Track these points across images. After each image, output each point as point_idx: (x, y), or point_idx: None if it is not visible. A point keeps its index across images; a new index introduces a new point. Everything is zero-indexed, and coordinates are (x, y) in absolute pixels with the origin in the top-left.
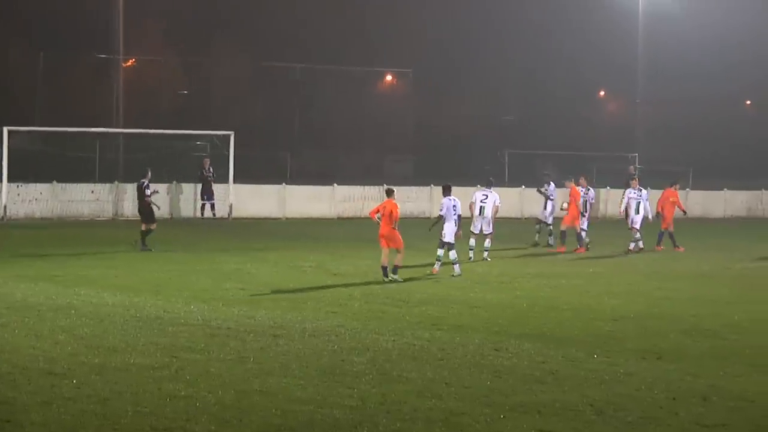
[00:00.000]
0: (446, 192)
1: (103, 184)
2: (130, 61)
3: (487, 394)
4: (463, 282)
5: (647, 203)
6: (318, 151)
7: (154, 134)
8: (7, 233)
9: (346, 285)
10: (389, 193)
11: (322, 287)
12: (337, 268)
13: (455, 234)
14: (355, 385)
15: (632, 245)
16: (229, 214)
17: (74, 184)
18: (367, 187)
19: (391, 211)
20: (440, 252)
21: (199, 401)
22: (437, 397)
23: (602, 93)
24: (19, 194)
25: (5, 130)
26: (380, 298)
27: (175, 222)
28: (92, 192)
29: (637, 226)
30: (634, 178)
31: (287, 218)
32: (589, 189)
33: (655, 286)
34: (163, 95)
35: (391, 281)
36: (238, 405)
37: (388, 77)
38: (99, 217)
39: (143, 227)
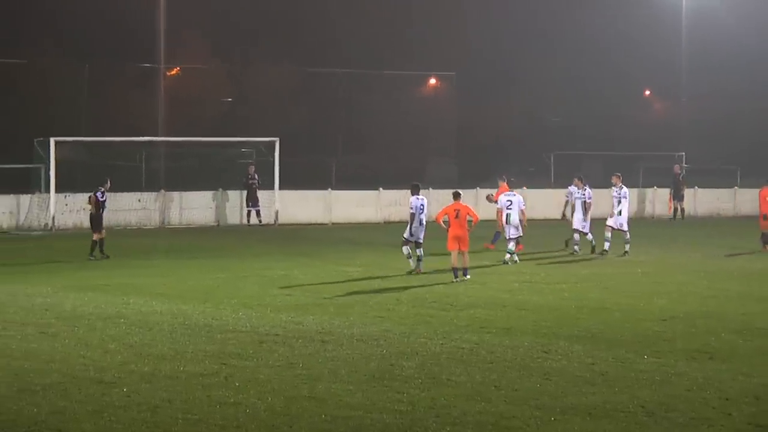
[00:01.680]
0: (414, 191)
1: (150, 193)
2: (174, 70)
3: (536, 397)
4: (511, 285)
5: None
6: (362, 155)
7: (198, 142)
8: (56, 243)
9: (393, 289)
10: (456, 195)
11: (369, 292)
12: (384, 273)
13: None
14: (404, 389)
15: (627, 246)
16: (275, 221)
17: (121, 194)
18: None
19: (467, 213)
20: (419, 251)
21: (249, 408)
22: (486, 400)
23: (647, 92)
24: (66, 204)
25: (52, 140)
26: (427, 302)
27: (222, 229)
28: (139, 201)
29: (626, 228)
30: (616, 175)
31: (333, 223)
32: (585, 188)
33: (705, 286)
34: (208, 103)
35: (461, 281)
36: (287, 411)
37: (432, 81)
38: (146, 225)
39: (95, 236)
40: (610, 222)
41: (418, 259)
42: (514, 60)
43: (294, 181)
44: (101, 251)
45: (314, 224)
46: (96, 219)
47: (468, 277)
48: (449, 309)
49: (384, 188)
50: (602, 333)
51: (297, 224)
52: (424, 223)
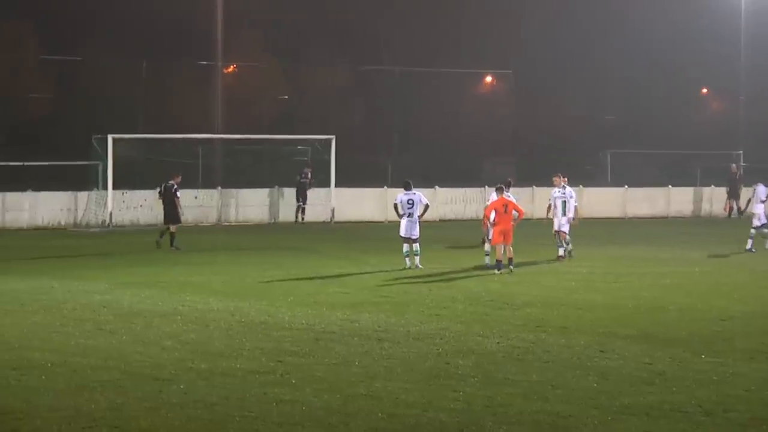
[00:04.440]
0: (406, 188)
1: (207, 190)
2: (231, 67)
3: (593, 397)
4: (567, 283)
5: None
6: (418, 154)
7: (254, 140)
8: (114, 240)
9: (448, 287)
10: (500, 190)
11: (425, 290)
12: (440, 271)
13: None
14: (460, 388)
15: (562, 251)
16: (331, 219)
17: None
18: (468, 189)
19: (514, 208)
20: (416, 247)
21: (305, 405)
22: (543, 399)
23: (705, 90)
24: (124, 201)
25: (110, 137)
26: (483, 301)
27: (277, 227)
28: (195, 198)
29: (566, 229)
30: (558, 175)
31: (389, 221)
32: (565, 187)
33: (764, 285)
34: (263, 101)
35: (507, 273)
36: (344, 409)
37: (488, 78)
38: (203, 222)
39: (172, 228)
40: (558, 226)
41: (415, 254)
42: (570, 57)
43: (350, 179)
44: (171, 243)
45: (370, 222)
46: (175, 212)
47: (513, 268)
48: (505, 307)
49: (440, 187)
50: (659, 332)
51: (353, 222)
52: (416, 218)
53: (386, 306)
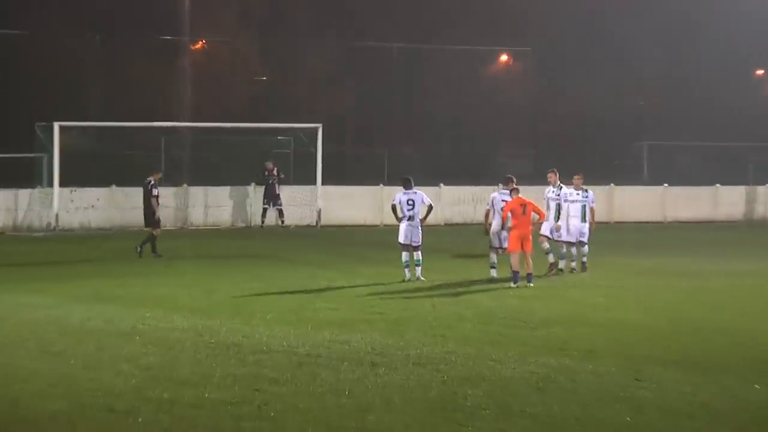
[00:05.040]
0: (405, 186)
1: (170, 188)
2: (199, 43)
3: None
4: (595, 299)
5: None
6: (419, 146)
7: (227, 129)
8: (60, 246)
9: (455, 303)
10: (515, 190)
11: (428, 306)
12: (445, 284)
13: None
14: (469, 422)
15: (551, 256)
16: (317, 221)
17: (136, 188)
18: (479, 188)
19: (533, 210)
20: (417, 255)
21: None
22: None
23: (759, 72)
24: (72, 201)
25: (56, 125)
26: (497, 319)
27: (254, 232)
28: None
29: (547, 234)
30: (552, 171)
31: (385, 225)
32: (561, 187)
33: None
34: (238, 83)
35: (525, 286)
36: None
37: (503, 57)
38: (165, 225)
39: (154, 232)
40: (545, 231)
41: (417, 264)
42: (599, 32)
43: (339, 175)
44: (153, 250)
45: (363, 226)
46: (149, 213)
47: (532, 284)
48: (522, 327)
49: (445, 184)
50: (703, 357)
51: (343, 226)
52: (417, 221)
53: (382, 325)
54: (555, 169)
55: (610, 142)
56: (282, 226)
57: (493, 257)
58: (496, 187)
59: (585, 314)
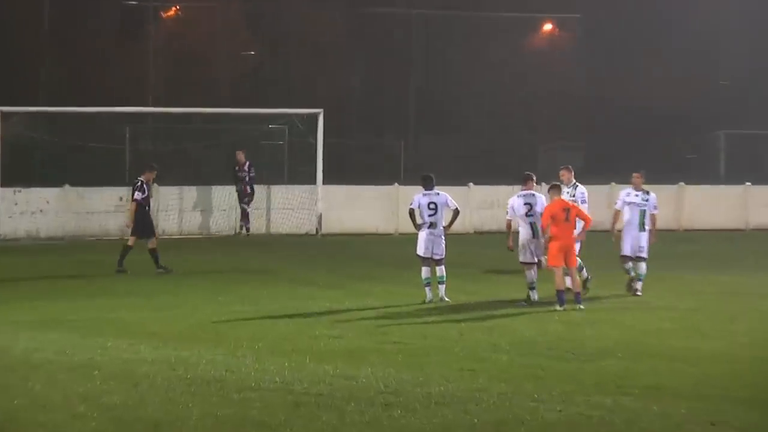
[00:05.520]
0: (426, 185)
1: None
2: (171, 10)
3: None
4: (660, 324)
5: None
6: (443, 136)
7: (207, 115)
8: (2, 258)
9: (487, 330)
10: (556, 189)
11: (453, 333)
12: (475, 307)
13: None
14: None
15: (640, 284)
16: (317, 229)
17: (95, 189)
18: (515, 188)
19: (577, 214)
20: (440, 271)
21: None
22: None
23: None
24: (16, 203)
25: None
26: (538, 348)
27: (241, 241)
28: (121, 199)
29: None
30: (566, 168)
31: (401, 234)
32: (576, 186)
33: None
34: (220, 59)
35: (572, 309)
36: None
37: (547, 26)
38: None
39: (149, 244)
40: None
41: (440, 282)
42: None
43: (345, 172)
44: (156, 262)
45: (374, 234)
46: (144, 222)
47: (581, 306)
48: (570, 359)
49: (475, 184)
50: None
51: (348, 235)
52: (440, 229)
53: (397, 356)
54: (569, 166)
55: (679, 132)
56: (242, 234)
57: (531, 275)
58: (540, 186)
59: (647, 343)
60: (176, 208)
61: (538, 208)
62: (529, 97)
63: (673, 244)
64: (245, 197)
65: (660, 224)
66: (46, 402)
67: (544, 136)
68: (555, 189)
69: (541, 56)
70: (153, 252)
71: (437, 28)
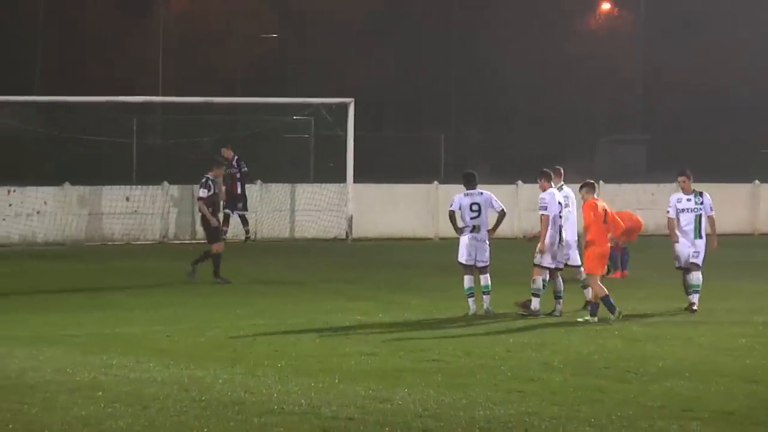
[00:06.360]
0: (469, 183)
1: (145, 187)
2: None
3: None
4: (733, 340)
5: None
6: (488, 128)
7: (223, 105)
8: None
9: (538, 346)
10: (591, 188)
11: (500, 351)
12: (522, 319)
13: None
14: None
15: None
16: (347, 234)
17: (98, 188)
18: (571, 187)
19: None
20: (484, 280)
21: None
22: None
23: None
24: (10, 204)
25: None
26: (595, 368)
27: (259, 246)
28: (127, 199)
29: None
30: (685, 174)
31: (440, 238)
32: (562, 187)
33: None
34: (237, 43)
35: (619, 319)
36: None
37: (605, 5)
38: (138, 239)
39: (213, 249)
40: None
41: (484, 292)
42: None
43: (377, 169)
44: (215, 273)
45: (410, 239)
46: (205, 224)
47: (592, 318)
48: (631, 380)
49: (524, 182)
50: None
51: (381, 240)
52: (484, 233)
53: (437, 376)
54: (559, 167)
55: (754, 127)
56: (246, 240)
57: (539, 281)
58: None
59: (719, 362)
60: (189, 210)
61: (572, 209)
62: (584, 84)
63: (747, 250)
64: (236, 200)
65: (732, 227)
66: (44, 427)
67: (602, 128)
68: (589, 187)
69: (597, 38)
70: (213, 256)
71: (480, 6)
